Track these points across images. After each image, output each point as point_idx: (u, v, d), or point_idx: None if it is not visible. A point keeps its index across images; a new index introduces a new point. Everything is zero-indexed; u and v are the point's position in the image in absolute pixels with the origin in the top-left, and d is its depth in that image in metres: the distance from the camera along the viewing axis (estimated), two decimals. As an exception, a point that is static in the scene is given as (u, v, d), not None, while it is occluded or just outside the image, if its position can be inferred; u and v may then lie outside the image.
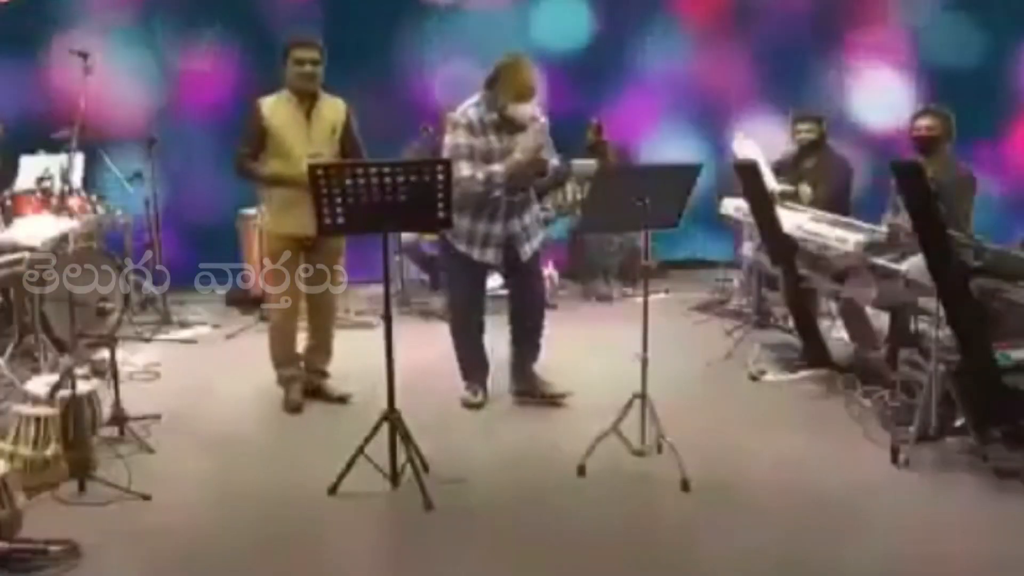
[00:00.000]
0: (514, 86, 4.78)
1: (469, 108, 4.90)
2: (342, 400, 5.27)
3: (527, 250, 5.07)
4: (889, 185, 5.70)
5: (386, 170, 4.01)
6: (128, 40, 7.44)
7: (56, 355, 5.42)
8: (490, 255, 5.02)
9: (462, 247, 5.01)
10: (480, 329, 5.22)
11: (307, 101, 4.99)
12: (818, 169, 6.31)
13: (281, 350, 5.24)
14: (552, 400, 5.15)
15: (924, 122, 5.40)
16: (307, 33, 5.18)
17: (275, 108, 4.98)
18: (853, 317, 5.62)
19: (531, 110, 4.85)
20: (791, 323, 6.03)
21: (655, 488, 4.22)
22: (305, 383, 5.30)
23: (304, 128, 4.97)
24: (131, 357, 5.82)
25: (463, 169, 4.75)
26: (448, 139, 4.90)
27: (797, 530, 3.88)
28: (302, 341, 5.35)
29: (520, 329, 5.23)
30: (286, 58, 4.95)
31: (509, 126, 4.86)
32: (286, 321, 5.21)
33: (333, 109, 5.08)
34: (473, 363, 5.23)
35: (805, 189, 6.20)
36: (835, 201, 6.04)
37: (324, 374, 5.36)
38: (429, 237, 7.39)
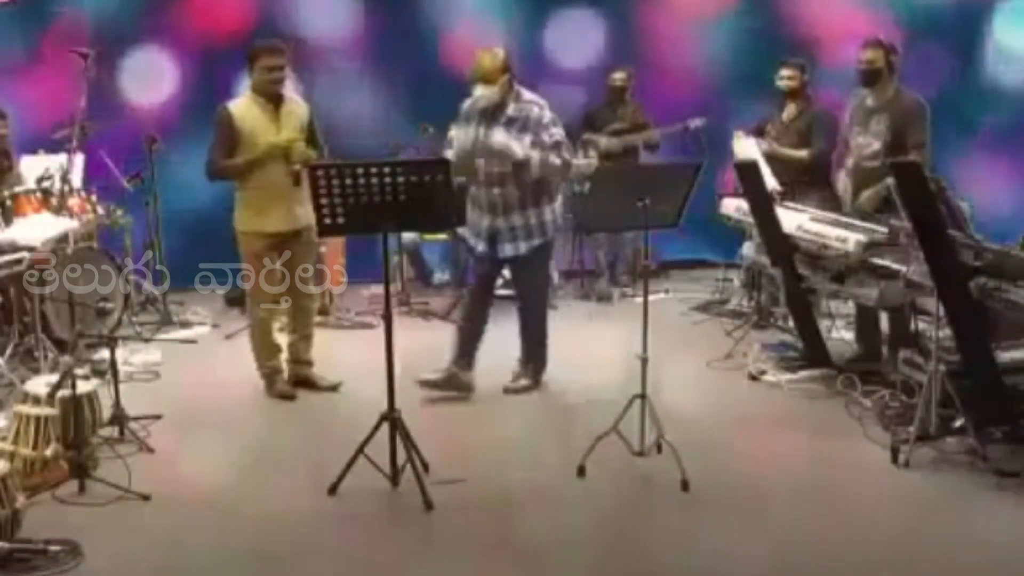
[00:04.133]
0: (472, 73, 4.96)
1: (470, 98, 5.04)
2: (333, 389, 5.40)
3: (507, 249, 5.09)
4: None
5: (386, 170, 4.02)
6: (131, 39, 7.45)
7: (56, 355, 5.41)
8: (480, 246, 5.17)
9: (466, 233, 5.23)
10: (477, 316, 5.26)
11: (274, 101, 5.14)
12: (802, 122, 6.43)
13: (267, 343, 5.37)
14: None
15: (865, 55, 5.46)
16: (273, 40, 5.28)
17: (245, 111, 5.11)
18: (867, 326, 5.63)
19: (494, 97, 4.92)
20: (791, 323, 6.03)
21: (655, 488, 4.22)
22: (292, 375, 5.43)
23: (275, 127, 5.12)
24: (131, 357, 5.81)
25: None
26: None
27: (797, 530, 3.88)
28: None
29: (520, 321, 5.37)
30: (253, 64, 5.10)
31: (489, 116, 4.98)
32: (270, 316, 5.36)
33: (299, 107, 5.27)
34: (460, 338, 5.26)
35: (800, 153, 6.25)
36: (826, 155, 6.20)
37: (309, 363, 5.49)
38: (429, 237, 7.41)
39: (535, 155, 4.90)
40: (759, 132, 6.54)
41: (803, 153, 6.33)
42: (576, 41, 8.06)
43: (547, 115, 4.97)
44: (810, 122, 6.42)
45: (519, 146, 4.91)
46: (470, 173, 4.97)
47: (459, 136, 5.07)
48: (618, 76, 7.55)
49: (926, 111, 5.45)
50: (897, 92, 5.49)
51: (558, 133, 4.98)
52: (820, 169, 6.27)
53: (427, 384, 5.12)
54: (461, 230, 6.98)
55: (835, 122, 6.30)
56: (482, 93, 4.89)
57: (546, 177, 5.01)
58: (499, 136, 4.93)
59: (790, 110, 6.51)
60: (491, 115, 4.97)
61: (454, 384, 5.18)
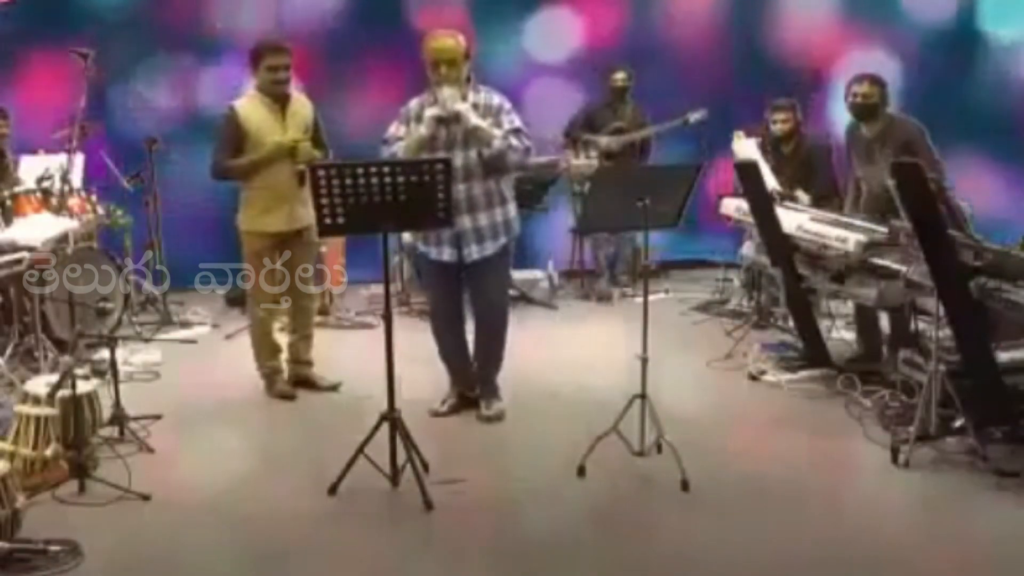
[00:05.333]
0: (427, 55, 4.63)
1: (416, 98, 4.80)
2: (333, 388, 5.42)
3: (473, 252, 4.77)
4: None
5: (386, 170, 4.02)
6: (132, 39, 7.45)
7: (56, 355, 5.42)
8: (446, 253, 4.80)
9: (421, 246, 4.91)
10: (457, 333, 5.04)
11: (280, 100, 5.12)
12: (798, 158, 6.45)
13: (267, 343, 5.37)
14: (488, 419, 4.97)
15: (860, 88, 5.46)
16: (277, 38, 5.23)
17: (250, 110, 5.09)
18: (866, 326, 5.64)
19: (456, 95, 4.59)
20: (791, 323, 6.03)
21: (655, 488, 4.22)
22: (292, 375, 5.44)
23: (281, 127, 5.10)
24: (131, 357, 5.81)
25: (383, 153, 4.71)
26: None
27: (797, 530, 3.88)
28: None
29: (476, 337, 5.04)
30: (258, 63, 5.06)
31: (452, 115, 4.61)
32: (270, 316, 5.37)
33: (304, 106, 5.24)
34: (450, 368, 5.11)
35: (803, 196, 6.23)
36: (829, 188, 6.21)
37: (309, 363, 5.50)
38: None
39: (509, 139, 4.65)
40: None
41: (806, 198, 6.27)
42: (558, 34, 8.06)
43: (506, 103, 4.76)
44: (808, 157, 6.43)
45: (492, 129, 4.66)
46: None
47: (412, 133, 4.68)
48: (619, 76, 7.55)
49: (925, 133, 5.44)
50: (892, 121, 5.51)
51: (517, 120, 4.73)
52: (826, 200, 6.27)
53: (440, 415, 5.01)
54: (410, 241, 6.91)
55: (830, 152, 6.38)
56: (451, 93, 4.56)
57: (512, 164, 4.75)
58: (475, 118, 4.60)
59: (788, 147, 6.51)
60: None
61: (464, 406, 5.08)
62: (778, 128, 6.49)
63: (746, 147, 6.35)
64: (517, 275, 7.27)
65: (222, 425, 5.00)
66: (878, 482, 4.30)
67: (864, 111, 5.50)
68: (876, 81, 5.49)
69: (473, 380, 5.11)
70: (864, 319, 5.67)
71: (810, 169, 6.37)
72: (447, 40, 4.66)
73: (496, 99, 4.77)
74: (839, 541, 3.77)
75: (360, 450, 4.14)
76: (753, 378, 5.59)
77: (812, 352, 5.66)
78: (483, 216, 4.78)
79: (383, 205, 4.02)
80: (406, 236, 7.03)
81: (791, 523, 3.93)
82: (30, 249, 5.37)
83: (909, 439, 4.36)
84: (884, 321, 5.62)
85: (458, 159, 4.63)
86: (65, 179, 6.04)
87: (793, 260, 5.46)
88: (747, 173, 5.58)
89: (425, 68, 4.70)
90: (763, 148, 6.56)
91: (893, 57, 7.91)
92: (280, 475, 4.38)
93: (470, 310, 5.05)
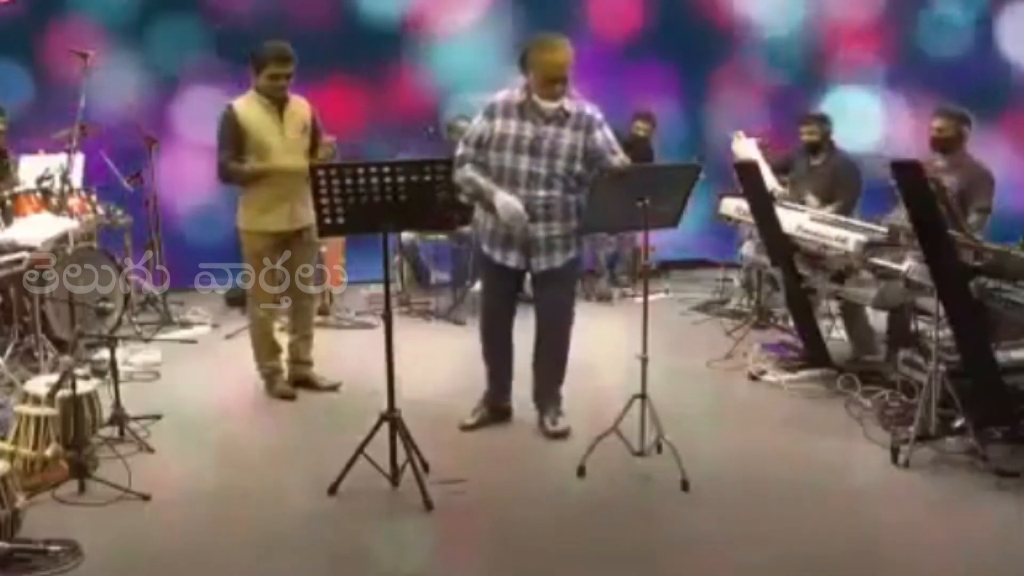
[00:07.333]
0: (541, 69, 4.40)
1: (503, 91, 4.56)
2: (333, 388, 5.42)
3: (542, 262, 4.61)
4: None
5: (386, 170, 4.02)
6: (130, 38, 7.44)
7: (56, 355, 5.42)
8: (513, 259, 4.63)
9: (486, 248, 4.69)
10: (505, 340, 4.85)
11: (278, 103, 5.15)
12: (826, 171, 6.49)
13: (267, 343, 5.37)
14: (554, 435, 4.74)
15: (936, 123, 5.40)
16: (282, 45, 5.14)
17: (248, 110, 5.11)
18: (854, 320, 5.64)
19: (567, 105, 4.46)
20: (791, 323, 6.04)
21: (655, 488, 4.22)
22: (292, 375, 5.45)
23: (279, 127, 5.13)
24: (131, 357, 5.81)
25: (460, 151, 4.55)
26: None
27: (797, 530, 3.88)
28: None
29: (536, 347, 4.83)
30: (261, 67, 5.07)
31: (537, 113, 4.47)
32: (270, 316, 5.37)
33: (302, 107, 5.26)
34: (492, 374, 4.89)
35: (812, 200, 6.24)
36: (850, 207, 6.24)
37: (309, 363, 5.51)
38: (431, 237, 7.40)
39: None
40: (784, 171, 6.66)
41: (814, 201, 6.31)
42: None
43: (597, 114, 4.56)
44: (835, 171, 6.49)
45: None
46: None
47: (494, 129, 4.50)
48: (641, 126, 7.69)
49: (992, 178, 5.36)
50: (963, 156, 5.39)
51: (609, 132, 4.59)
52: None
53: (469, 428, 4.81)
54: (409, 241, 6.89)
55: (858, 171, 6.45)
56: (556, 105, 4.44)
57: None
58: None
59: (817, 159, 6.59)
60: (552, 114, 4.48)
61: (495, 418, 4.90)
62: (806, 138, 6.62)
63: (746, 147, 6.35)
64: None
65: (222, 425, 5.00)
66: (878, 482, 4.30)
67: (940, 144, 5.38)
68: (951, 116, 5.39)
69: (509, 386, 4.92)
70: (850, 315, 5.67)
71: (836, 183, 6.41)
72: (564, 54, 4.41)
73: (588, 109, 4.55)
74: (838, 541, 3.77)
75: (360, 450, 4.13)
76: (753, 378, 5.59)
77: (812, 352, 5.66)
78: (557, 226, 4.58)
79: (383, 205, 4.03)
80: (405, 236, 7.07)
81: (791, 523, 3.94)
82: (30, 249, 5.36)
83: (909, 439, 4.37)
84: (876, 319, 5.62)
85: (542, 167, 4.49)
86: (65, 179, 6.04)
87: (793, 260, 5.47)
88: (747, 173, 5.59)
89: (530, 74, 4.44)
90: (792, 158, 6.69)
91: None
92: (280, 475, 4.38)
93: (534, 317, 4.83)
